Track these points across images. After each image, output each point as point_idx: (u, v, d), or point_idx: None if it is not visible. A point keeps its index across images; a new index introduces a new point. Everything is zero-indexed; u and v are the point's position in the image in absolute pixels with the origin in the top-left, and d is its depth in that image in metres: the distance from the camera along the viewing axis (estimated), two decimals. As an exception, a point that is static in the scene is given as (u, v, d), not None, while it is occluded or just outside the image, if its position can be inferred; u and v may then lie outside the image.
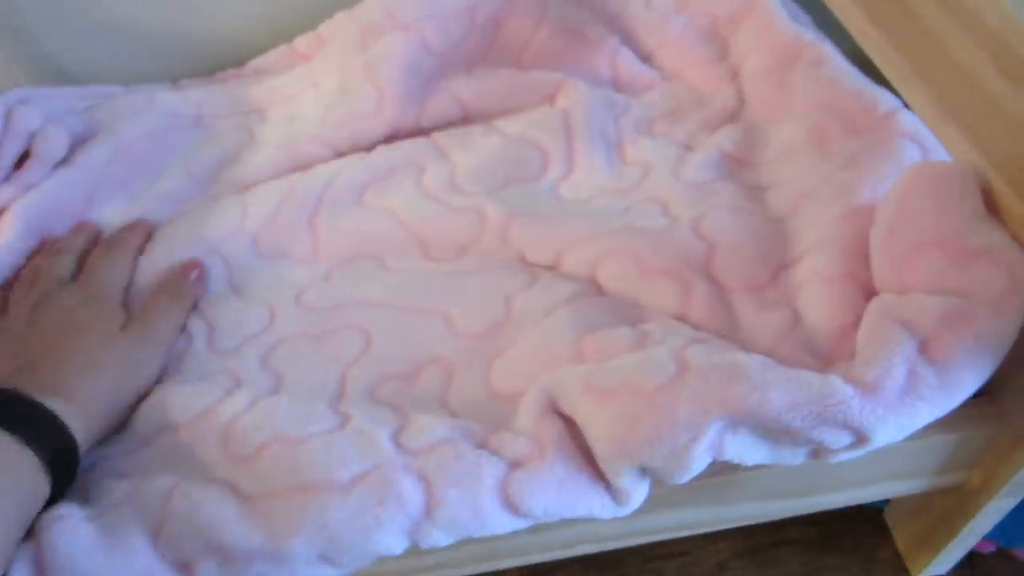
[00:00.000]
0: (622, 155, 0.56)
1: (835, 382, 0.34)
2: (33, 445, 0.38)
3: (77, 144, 0.65)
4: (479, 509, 0.36)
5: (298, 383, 0.47)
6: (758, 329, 0.43)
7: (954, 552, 0.52)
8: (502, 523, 0.37)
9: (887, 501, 0.58)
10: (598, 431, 0.36)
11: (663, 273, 0.46)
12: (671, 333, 0.42)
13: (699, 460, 0.35)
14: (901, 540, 0.57)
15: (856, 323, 0.40)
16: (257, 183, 0.61)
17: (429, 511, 0.36)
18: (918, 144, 0.45)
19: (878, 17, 0.46)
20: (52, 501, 0.39)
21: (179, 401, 0.45)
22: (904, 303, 0.37)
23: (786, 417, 0.34)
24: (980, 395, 0.40)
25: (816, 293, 0.43)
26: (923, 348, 0.35)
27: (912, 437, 0.36)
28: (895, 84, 0.45)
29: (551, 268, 0.50)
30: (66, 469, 0.40)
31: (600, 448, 0.36)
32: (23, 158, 0.64)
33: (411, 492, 0.36)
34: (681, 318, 0.45)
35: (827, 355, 0.41)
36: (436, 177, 0.56)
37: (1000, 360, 0.35)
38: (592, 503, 0.37)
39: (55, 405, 0.41)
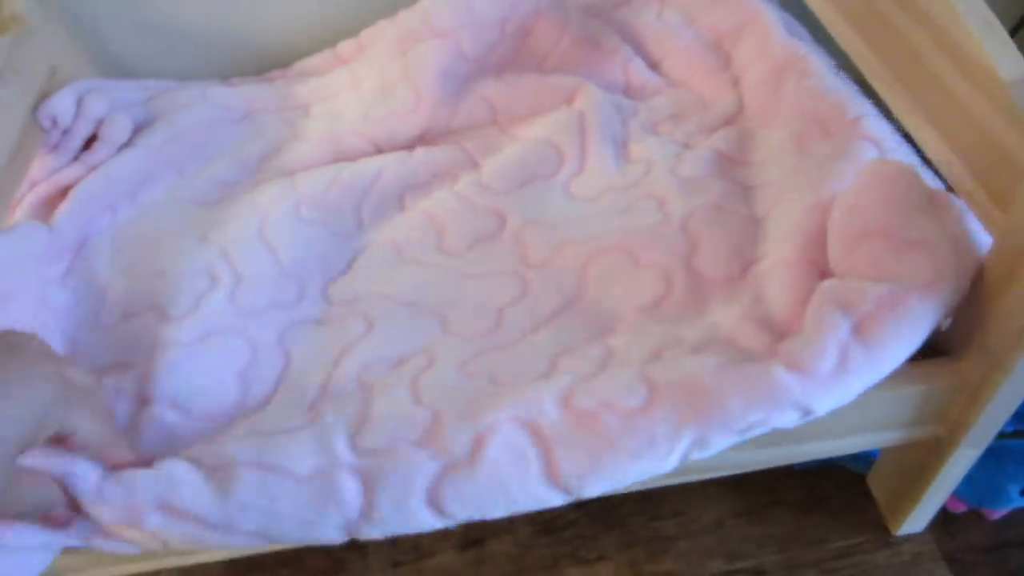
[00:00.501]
0: (627, 154, 0.63)
1: (778, 374, 0.40)
2: None
3: (137, 130, 0.72)
4: (408, 514, 0.41)
5: (302, 360, 0.52)
6: (724, 311, 0.49)
7: (928, 506, 0.58)
8: (429, 524, 0.42)
9: (870, 465, 0.64)
10: (577, 447, 0.41)
11: (651, 265, 0.53)
12: (635, 345, 0.47)
13: (673, 465, 0.41)
14: (882, 500, 0.63)
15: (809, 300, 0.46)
16: (300, 171, 0.68)
17: (364, 514, 0.41)
18: (877, 146, 0.51)
19: (863, 31, 0.53)
20: None
21: (188, 382, 0.50)
22: (845, 286, 0.43)
23: (744, 415, 0.40)
24: (943, 355, 0.47)
25: (777, 276, 0.48)
26: (857, 328, 0.41)
27: (883, 389, 0.42)
28: (877, 88, 0.51)
29: (546, 264, 0.56)
30: None
31: (575, 462, 0.40)
32: (90, 140, 0.71)
33: (352, 495, 0.41)
34: (658, 304, 0.51)
35: (782, 330, 0.46)
36: (467, 182, 0.62)
37: (926, 336, 0.41)
38: (527, 501, 0.41)
39: None
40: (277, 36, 0.80)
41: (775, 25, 0.64)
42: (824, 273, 0.46)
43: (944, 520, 0.63)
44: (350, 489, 0.41)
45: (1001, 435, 0.57)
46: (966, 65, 0.42)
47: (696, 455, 0.41)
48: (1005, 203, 0.41)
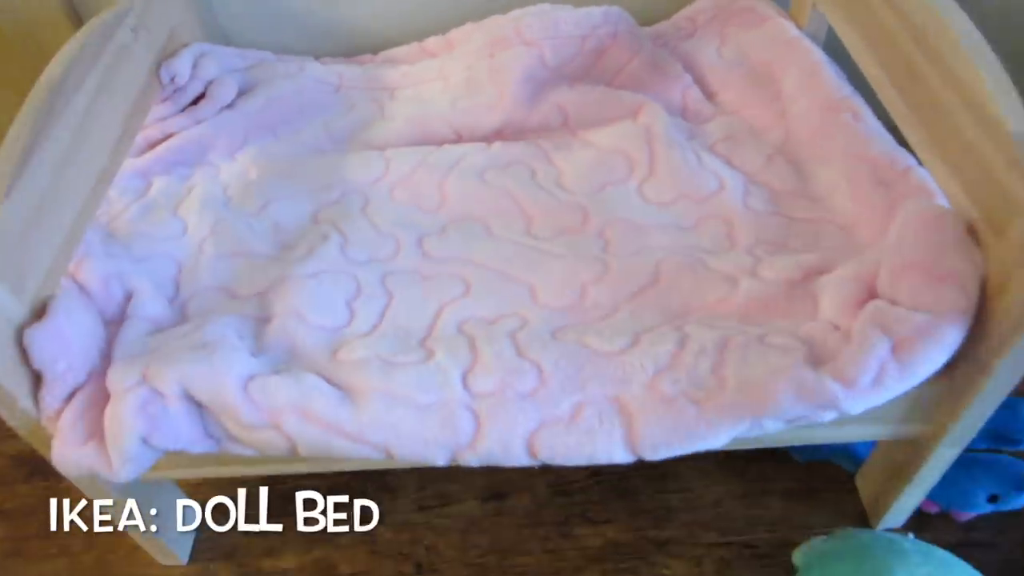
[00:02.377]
0: (699, 158, 0.71)
1: (827, 383, 0.50)
2: None
3: (239, 94, 0.81)
4: (508, 450, 0.51)
5: (405, 302, 0.62)
6: (785, 312, 0.58)
7: (907, 502, 0.66)
8: (521, 461, 0.52)
9: (859, 465, 0.72)
10: (656, 425, 0.51)
11: (718, 270, 0.61)
12: (708, 334, 0.55)
13: (726, 443, 0.51)
14: (866, 497, 0.71)
15: (856, 305, 0.55)
16: (387, 147, 0.76)
17: (471, 444, 0.51)
18: (925, 192, 0.60)
19: (897, 82, 0.62)
20: None
21: (308, 300, 0.60)
22: (888, 312, 0.51)
23: (793, 411, 0.50)
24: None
25: (835, 287, 0.57)
26: (894, 349, 0.50)
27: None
28: (903, 128, 0.60)
29: (625, 255, 0.65)
30: None
31: (652, 435, 0.51)
32: (196, 98, 0.79)
33: (465, 426, 0.51)
34: (723, 301, 0.59)
35: (832, 331, 0.55)
36: (546, 175, 0.72)
37: (949, 356, 0.50)
38: (604, 457, 0.51)
39: None
40: (369, 24, 0.89)
41: (823, 64, 0.73)
42: (872, 290, 0.54)
43: (919, 521, 0.71)
44: (465, 422, 0.51)
45: (974, 450, 0.66)
46: (980, 117, 0.51)
47: (745, 436, 0.51)
48: (999, 232, 0.49)
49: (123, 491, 0.62)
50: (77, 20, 0.84)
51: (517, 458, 0.51)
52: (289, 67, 0.83)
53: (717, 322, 0.57)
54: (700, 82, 0.79)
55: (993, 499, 0.68)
